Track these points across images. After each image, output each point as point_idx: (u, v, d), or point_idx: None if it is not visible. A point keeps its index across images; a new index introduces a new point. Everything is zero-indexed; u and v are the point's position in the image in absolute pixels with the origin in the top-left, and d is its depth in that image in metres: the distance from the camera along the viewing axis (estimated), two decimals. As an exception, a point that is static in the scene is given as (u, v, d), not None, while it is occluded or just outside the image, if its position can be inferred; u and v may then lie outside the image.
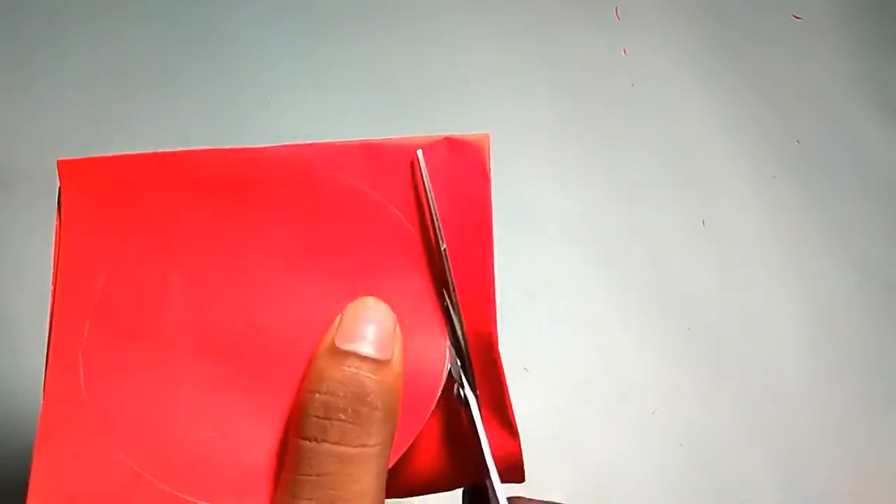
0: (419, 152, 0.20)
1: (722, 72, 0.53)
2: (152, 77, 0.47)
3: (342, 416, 0.17)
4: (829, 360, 0.46)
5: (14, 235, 0.42)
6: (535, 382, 0.43)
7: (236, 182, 0.20)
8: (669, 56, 0.53)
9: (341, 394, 0.17)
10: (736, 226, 0.49)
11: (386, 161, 0.20)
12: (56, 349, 0.19)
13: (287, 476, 0.17)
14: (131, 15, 0.49)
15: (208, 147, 0.20)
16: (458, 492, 0.24)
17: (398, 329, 0.19)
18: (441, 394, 0.22)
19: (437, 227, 0.20)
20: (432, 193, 0.20)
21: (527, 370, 0.43)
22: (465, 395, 0.20)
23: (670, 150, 0.50)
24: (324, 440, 0.17)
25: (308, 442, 0.17)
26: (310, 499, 0.17)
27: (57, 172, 0.20)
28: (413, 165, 0.20)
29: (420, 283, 0.20)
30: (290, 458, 0.18)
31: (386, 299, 0.19)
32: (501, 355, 0.21)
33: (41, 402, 0.19)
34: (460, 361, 0.21)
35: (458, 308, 0.20)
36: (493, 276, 0.21)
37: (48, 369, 0.19)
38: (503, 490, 0.20)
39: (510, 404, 0.21)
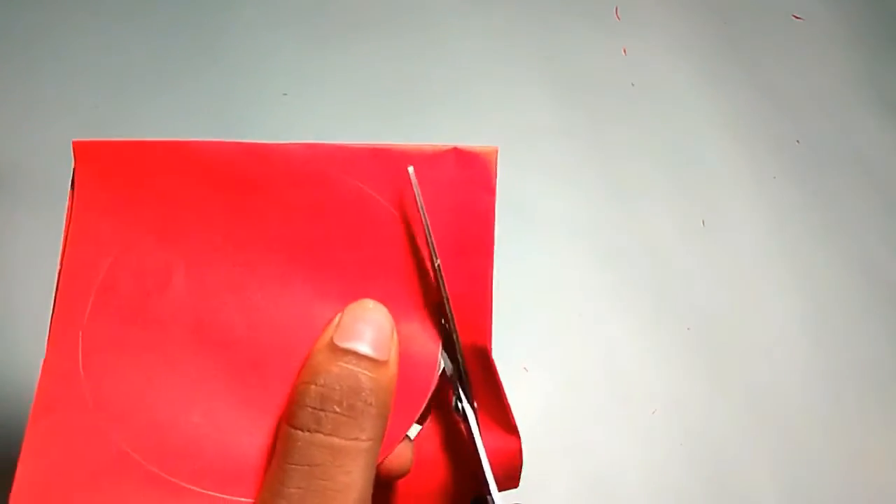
0: (410, 169, 0.20)
1: (722, 72, 0.53)
2: (157, 73, 0.47)
3: (337, 409, 0.17)
4: (829, 360, 0.46)
5: (14, 235, 0.42)
6: (535, 382, 0.43)
7: (246, 176, 0.20)
8: (669, 56, 0.53)
9: (337, 387, 0.18)
10: (736, 226, 0.49)
11: (393, 167, 0.20)
12: (57, 326, 0.19)
13: (277, 464, 0.18)
14: (137, 15, 0.49)
15: (222, 139, 0.20)
16: None
17: (395, 333, 0.19)
18: (440, 409, 0.22)
19: (430, 238, 0.20)
20: (424, 208, 0.20)
21: (527, 370, 0.43)
22: (462, 408, 0.21)
23: (670, 150, 0.50)
24: (317, 431, 0.17)
25: (301, 432, 0.17)
26: (299, 487, 0.17)
27: (72, 153, 0.20)
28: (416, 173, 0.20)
29: (416, 288, 0.20)
30: (280, 447, 0.18)
31: (383, 301, 0.20)
32: (501, 356, 0.21)
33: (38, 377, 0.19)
34: (457, 375, 0.21)
35: (453, 321, 0.20)
36: (491, 289, 0.21)
37: (49, 345, 0.19)
38: (502, 500, 0.20)
39: (509, 407, 0.22)
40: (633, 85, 0.52)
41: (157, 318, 0.20)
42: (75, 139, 0.20)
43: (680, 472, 0.42)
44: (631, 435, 0.42)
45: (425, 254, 0.20)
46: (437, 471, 0.22)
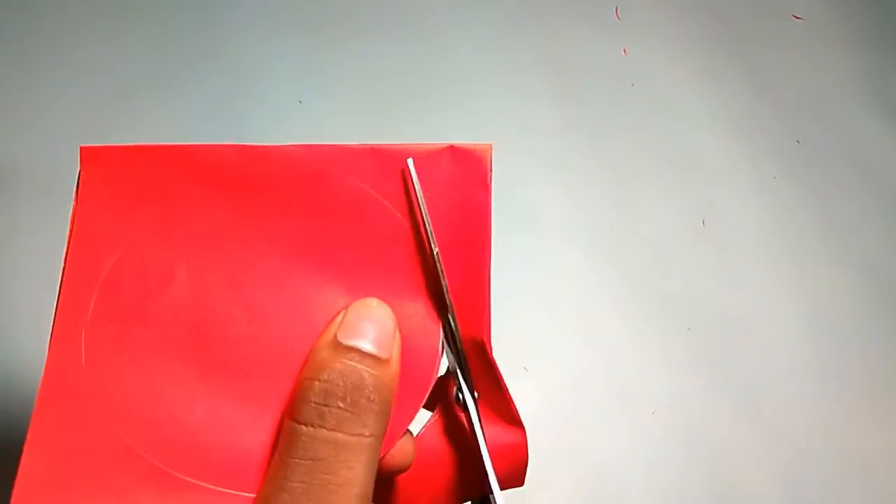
0: (410, 161, 0.20)
1: (722, 72, 0.53)
2: (159, 74, 0.47)
3: (340, 405, 0.18)
4: (829, 360, 0.46)
5: (15, 236, 0.42)
6: (535, 382, 0.43)
7: (247, 177, 0.21)
8: (669, 56, 0.53)
9: (341, 383, 0.18)
10: (736, 226, 0.49)
11: (391, 165, 0.20)
12: (61, 322, 0.20)
13: (280, 458, 0.18)
14: (141, 18, 0.49)
15: (225, 143, 0.21)
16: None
17: (398, 332, 0.20)
18: (444, 407, 0.22)
19: (429, 232, 0.20)
20: (423, 200, 0.20)
21: (527, 370, 0.43)
22: (462, 397, 0.21)
23: (670, 150, 0.50)
24: (320, 426, 0.17)
25: (304, 426, 0.18)
26: (302, 481, 0.17)
27: (79, 158, 0.21)
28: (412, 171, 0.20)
29: (417, 284, 0.21)
30: (283, 442, 0.18)
31: (383, 298, 0.20)
32: (501, 356, 0.21)
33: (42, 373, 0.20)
34: (458, 363, 0.21)
35: (453, 312, 0.20)
36: (489, 285, 0.21)
37: (52, 341, 0.20)
38: (503, 497, 0.20)
39: (511, 400, 0.22)
40: (633, 85, 0.52)
41: (160, 316, 0.20)
42: (83, 145, 0.21)
43: (680, 472, 0.42)
44: (631, 435, 0.42)
45: (424, 247, 0.21)
46: (441, 468, 0.22)
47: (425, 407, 0.22)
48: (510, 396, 0.22)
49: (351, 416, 0.18)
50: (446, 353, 0.21)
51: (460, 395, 0.21)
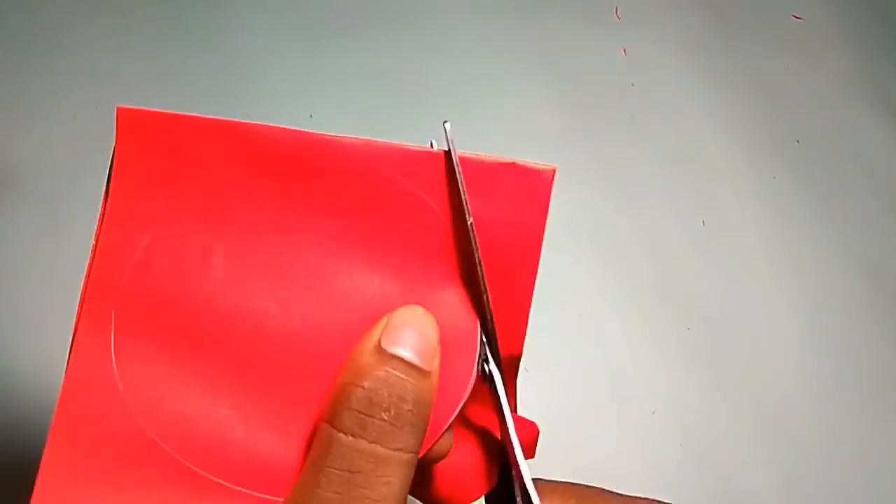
0: (447, 125, 0.19)
1: (722, 72, 0.53)
2: (161, 75, 0.47)
3: (384, 416, 0.17)
4: (829, 360, 0.46)
5: (15, 235, 0.42)
6: (535, 382, 0.43)
7: (297, 165, 0.19)
8: (669, 56, 0.53)
9: (386, 393, 0.17)
10: (736, 226, 0.49)
11: (448, 173, 0.20)
12: (91, 302, 0.19)
13: (313, 465, 0.17)
14: (145, 20, 0.49)
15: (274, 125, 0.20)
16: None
17: (439, 345, 0.19)
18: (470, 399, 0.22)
19: (472, 234, 0.19)
20: (467, 197, 0.19)
21: (527, 370, 0.43)
22: (489, 370, 0.20)
23: (670, 150, 0.50)
24: (361, 436, 0.17)
25: (344, 435, 0.17)
26: (337, 492, 0.16)
27: (116, 121, 0.19)
28: (469, 181, 0.20)
29: (459, 294, 0.20)
30: (318, 448, 0.17)
31: (424, 304, 0.19)
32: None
33: (68, 355, 0.19)
34: (487, 339, 0.20)
35: (486, 290, 0.20)
36: (530, 305, 0.20)
37: (80, 322, 0.19)
38: (528, 469, 0.19)
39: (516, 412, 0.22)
40: (633, 85, 0.52)
41: (192, 302, 0.19)
42: (119, 106, 0.19)
43: (680, 472, 0.42)
44: (631, 435, 0.42)
45: (470, 254, 0.20)
46: (468, 447, 0.22)
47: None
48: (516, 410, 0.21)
49: (392, 429, 0.17)
50: (478, 364, 0.21)
51: (486, 367, 0.20)
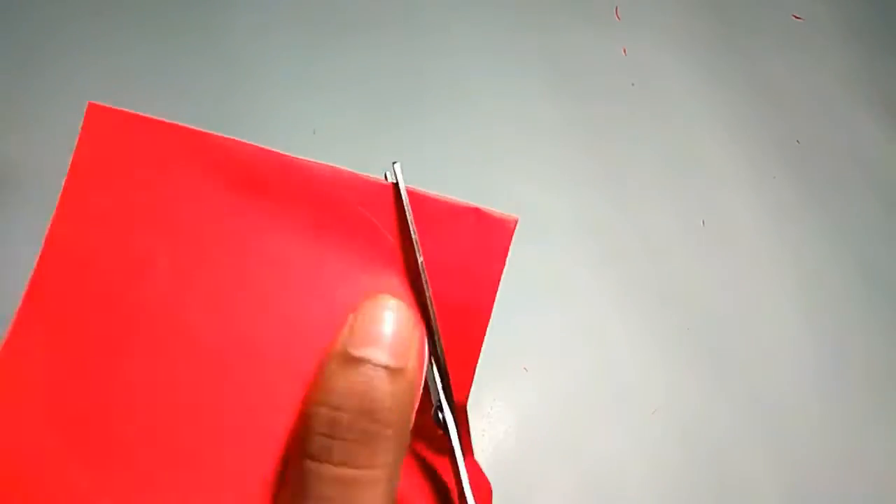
0: (397, 167, 0.19)
1: (722, 71, 0.53)
2: (160, 75, 0.47)
3: (348, 436, 0.16)
4: (829, 359, 0.46)
5: (15, 235, 0.42)
6: (535, 382, 0.43)
7: (260, 183, 0.19)
8: (669, 56, 0.53)
9: (348, 409, 0.16)
10: (736, 226, 0.49)
11: (414, 211, 0.19)
12: (30, 298, 0.19)
13: (287, 496, 0.16)
14: (149, 21, 0.49)
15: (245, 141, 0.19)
16: None
17: (417, 331, 0.18)
18: (418, 436, 0.21)
19: (423, 273, 0.19)
20: (418, 241, 0.19)
21: (527, 370, 0.43)
22: (443, 417, 0.19)
23: (670, 149, 0.50)
24: (326, 461, 0.16)
25: (310, 461, 0.16)
26: None
27: (84, 116, 0.19)
28: (427, 221, 0.19)
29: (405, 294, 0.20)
30: (292, 481, 0.16)
31: None
32: (501, 356, 0.21)
33: None
34: (441, 383, 0.19)
35: (438, 334, 0.19)
36: (478, 353, 0.20)
37: (20, 309, 0.19)
38: None
39: (475, 463, 0.21)
40: (633, 85, 0.52)
41: (130, 305, 0.19)
42: (91, 101, 0.19)
43: (680, 472, 0.42)
44: (631, 435, 0.42)
45: (421, 287, 0.19)
46: (420, 495, 0.21)
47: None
48: (476, 464, 0.21)
49: (358, 446, 0.16)
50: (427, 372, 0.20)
51: (439, 414, 0.19)
